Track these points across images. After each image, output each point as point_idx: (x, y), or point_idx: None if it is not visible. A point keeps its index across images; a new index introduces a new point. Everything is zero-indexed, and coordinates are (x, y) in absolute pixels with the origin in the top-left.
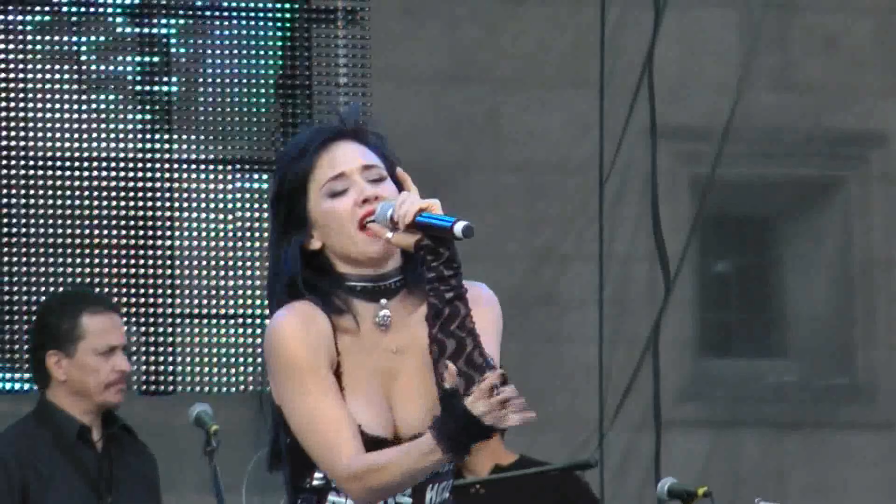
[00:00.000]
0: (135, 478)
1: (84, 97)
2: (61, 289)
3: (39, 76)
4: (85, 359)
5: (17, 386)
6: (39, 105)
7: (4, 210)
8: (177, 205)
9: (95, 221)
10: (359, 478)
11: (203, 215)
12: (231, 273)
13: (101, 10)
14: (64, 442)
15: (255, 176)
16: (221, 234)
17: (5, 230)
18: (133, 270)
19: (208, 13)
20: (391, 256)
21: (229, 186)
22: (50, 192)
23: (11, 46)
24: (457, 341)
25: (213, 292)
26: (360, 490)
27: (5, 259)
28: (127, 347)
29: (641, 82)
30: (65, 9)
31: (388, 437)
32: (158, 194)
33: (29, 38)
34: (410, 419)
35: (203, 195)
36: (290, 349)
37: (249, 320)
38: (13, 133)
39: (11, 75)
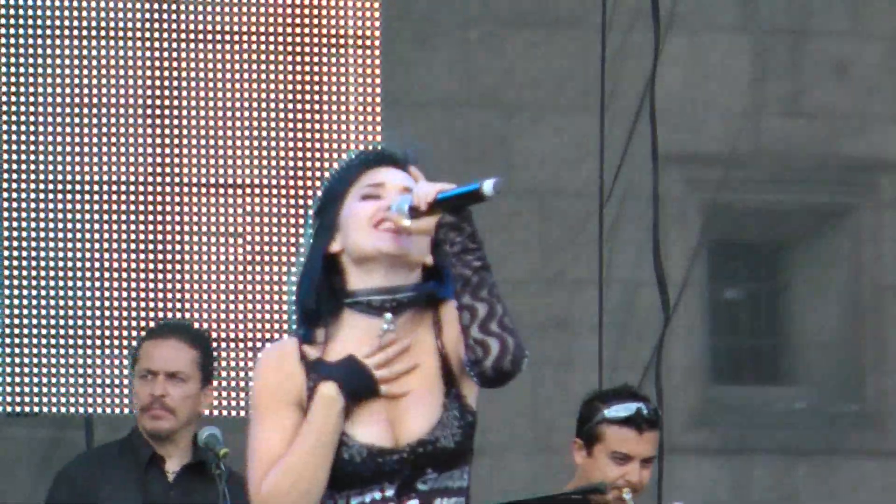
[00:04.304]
0: None
1: (95, 120)
2: (71, 312)
3: (49, 98)
4: (136, 383)
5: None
6: (50, 128)
7: (15, 233)
8: (186, 228)
9: (105, 245)
10: (263, 496)
11: (213, 239)
12: (240, 297)
13: (111, 31)
14: (136, 469)
15: (266, 200)
16: (231, 257)
17: (15, 252)
18: (142, 294)
19: (219, 37)
20: (406, 264)
21: (239, 210)
22: (59, 214)
23: (21, 61)
24: (488, 305)
25: (223, 316)
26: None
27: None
28: (185, 374)
29: (643, 106)
30: (76, 31)
31: (390, 445)
32: (168, 217)
33: (39, 60)
34: (412, 427)
35: (213, 218)
36: (259, 381)
37: (259, 344)
38: (22, 155)
39: (21, 98)
